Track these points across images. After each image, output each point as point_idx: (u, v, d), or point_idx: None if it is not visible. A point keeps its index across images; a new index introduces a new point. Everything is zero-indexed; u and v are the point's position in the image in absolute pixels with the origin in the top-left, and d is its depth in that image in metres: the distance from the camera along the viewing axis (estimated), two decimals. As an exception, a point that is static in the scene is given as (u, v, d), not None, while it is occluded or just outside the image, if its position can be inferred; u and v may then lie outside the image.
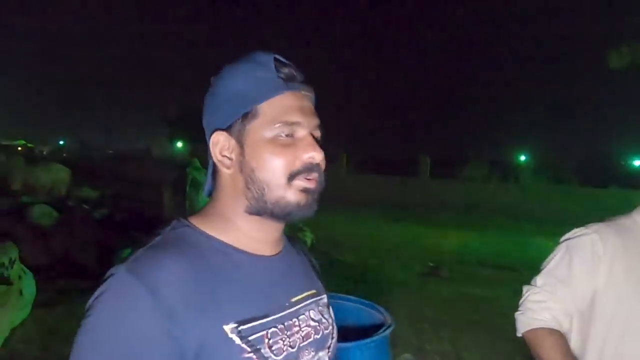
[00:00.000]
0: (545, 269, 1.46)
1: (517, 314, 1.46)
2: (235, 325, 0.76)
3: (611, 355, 1.34)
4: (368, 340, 1.93)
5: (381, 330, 2.00)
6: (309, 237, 8.12)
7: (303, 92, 0.86)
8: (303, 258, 1.01)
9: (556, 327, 1.37)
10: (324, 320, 0.92)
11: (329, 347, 0.92)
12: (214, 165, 0.87)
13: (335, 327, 0.97)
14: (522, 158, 28.21)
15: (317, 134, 0.86)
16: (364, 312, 2.25)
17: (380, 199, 19.09)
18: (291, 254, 0.95)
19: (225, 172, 0.86)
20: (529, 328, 1.40)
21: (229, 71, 0.86)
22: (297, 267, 0.95)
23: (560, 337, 1.36)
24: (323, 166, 0.85)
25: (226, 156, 0.84)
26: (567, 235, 1.47)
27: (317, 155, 0.82)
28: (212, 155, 0.86)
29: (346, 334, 2.05)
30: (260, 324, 0.79)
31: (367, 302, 2.33)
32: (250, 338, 0.76)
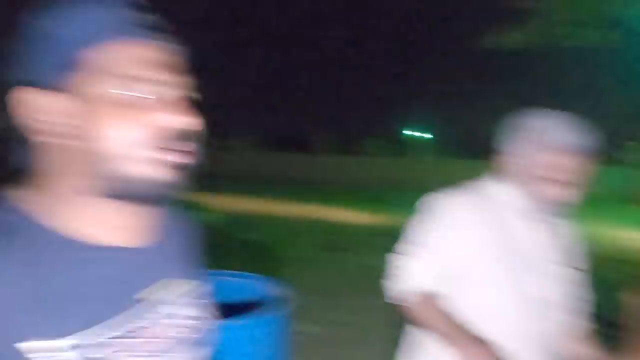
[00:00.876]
0: (408, 236, 1.49)
1: (388, 283, 1.49)
2: (34, 341, 0.58)
3: (463, 304, 1.40)
4: (264, 316, 1.89)
5: (278, 305, 1.98)
6: (216, 218, 7.89)
7: (160, 43, 0.66)
8: (181, 242, 0.83)
9: (426, 289, 1.41)
10: (192, 318, 0.77)
11: (199, 344, 0.78)
12: (23, 131, 0.65)
13: (210, 319, 0.82)
14: (418, 133, 29.27)
15: (183, 93, 0.69)
16: (260, 287, 2.19)
17: (280, 176, 19.08)
18: (165, 240, 0.77)
19: (46, 141, 0.65)
20: (401, 296, 1.44)
21: (51, 9, 0.64)
22: (167, 256, 0.77)
23: (430, 298, 1.40)
24: (193, 134, 0.68)
25: (46, 120, 0.63)
26: (426, 202, 1.49)
27: (178, 119, 0.65)
28: (21, 119, 0.64)
29: (241, 311, 1.92)
30: (89, 336, 0.62)
31: (263, 277, 2.29)
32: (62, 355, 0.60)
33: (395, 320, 1.54)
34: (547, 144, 1.35)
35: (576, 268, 1.53)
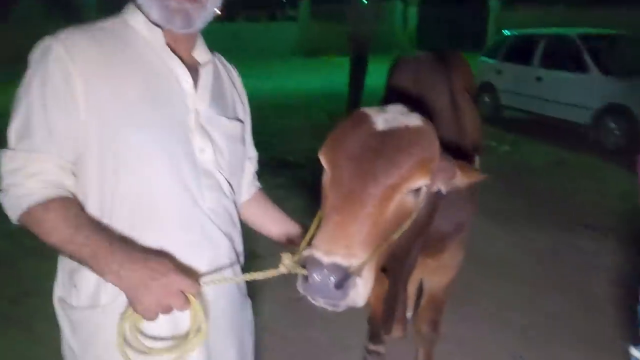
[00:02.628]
0: (15, 116, 1.01)
1: (1, 197, 1.01)
2: None
3: (110, 198, 1.05)
4: None
5: None
6: None
7: None
8: None
9: (53, 195, 1.00)
10: None
11: None
12: None
13: None
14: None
15: None
16: None
17: None
18: None
19: None
20: (20, 211, 0.99)
21: None
22: None
23: (61, 208, 0.99)
24: None
25: None
26: (32, 54, 1.02)
27: None
28: None
29: None
30: None
31: None
32: None
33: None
34: None
35: (240, 120, 1.27)
